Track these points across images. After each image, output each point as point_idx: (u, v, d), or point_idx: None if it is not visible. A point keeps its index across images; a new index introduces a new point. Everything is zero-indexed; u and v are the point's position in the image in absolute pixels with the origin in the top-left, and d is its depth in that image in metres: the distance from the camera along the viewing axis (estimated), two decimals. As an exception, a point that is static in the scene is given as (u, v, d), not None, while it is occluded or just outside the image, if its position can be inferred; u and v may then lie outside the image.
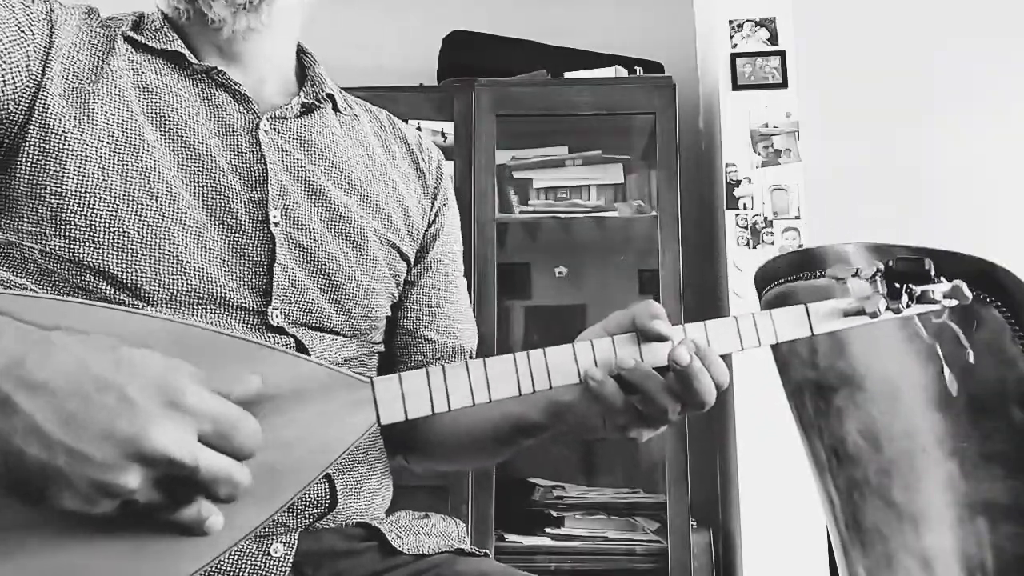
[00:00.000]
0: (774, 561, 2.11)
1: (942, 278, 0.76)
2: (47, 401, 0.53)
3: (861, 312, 0.74)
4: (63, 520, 0.56)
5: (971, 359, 0.78)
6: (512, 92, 2.34)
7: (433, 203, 1.01)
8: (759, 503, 2.13)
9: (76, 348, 0.55)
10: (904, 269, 0.75)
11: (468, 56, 2.48)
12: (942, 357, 0.77)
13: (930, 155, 2.50)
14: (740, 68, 2.29)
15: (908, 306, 0.75)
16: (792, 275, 1.16)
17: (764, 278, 1.24)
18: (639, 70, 2.44)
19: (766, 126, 2.27)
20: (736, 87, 2.29)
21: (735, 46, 2.32)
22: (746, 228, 2.23)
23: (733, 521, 2.24)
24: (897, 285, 0.75)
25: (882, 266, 0.75)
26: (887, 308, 0.74)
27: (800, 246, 2.18)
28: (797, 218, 2.22)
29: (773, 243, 2.21)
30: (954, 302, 0.76)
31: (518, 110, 2.33)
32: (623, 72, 2.40)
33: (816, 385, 1.17)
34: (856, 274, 0.76)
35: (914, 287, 0.75)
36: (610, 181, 2.42)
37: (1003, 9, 2.55)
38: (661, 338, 0.70)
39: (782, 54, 2.29)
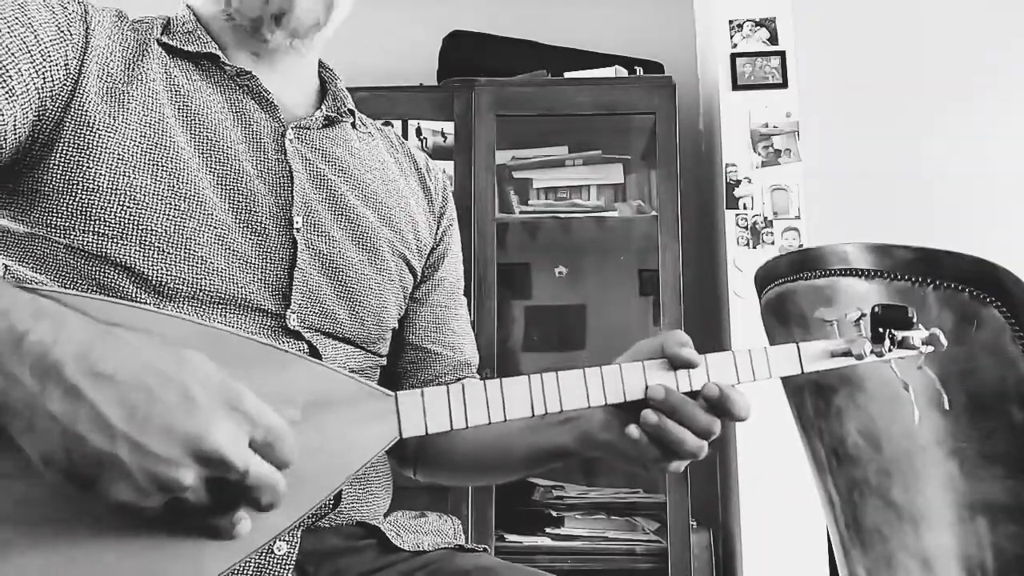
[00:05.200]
0: (774, 561, 2.11)
1: (921, 325, 0.81)
2: (113, 392, 0.53)
3: (848, 354, 0.79)
4: (93, 518, 0.57)
5: (947, 406, 0.85)
6: (512, 92, 2.34)
7: (439, 223, 1.03)
8: (759, 503, 2.13)
9: (139, 344, 0.56)
10: (887, 315, 0.80)
11: (468, 56, 2.48)
12: (913, 402, 0.81)
13: (930, 155, 2.50)
14: (740, 68, 2.29)
15: (890, 350, 0.80)
16: (792, 275, 1.16)
17: (764, 278, 1.24)
18: (639, 70, 2.44)
19: (766, 126, 2.27)
20: (736, 87, 2.29)
21: (735, 46, 2.32)
22: (746, 228, 2.23)
23: (733, 521, 2.24)
24: (880, 330, 0.80)
25: (867, 311, 0.80)
26: (871, 351, 0.79)
27: (800, 246, 2.18)
28: (797, 218, 2.22)
29: (773, 243, 2.21)
30: (931, 348, 0.81)
31: (518, 110, 2.33)
32: (623, 72, 2.40)
33: (816, 385, 1.17)
34: (843, 317, 0.81)
35: (896, 332, 0.80)
36: (610, 181, 2.42)
37: (1003, 9, 2.55)
38: (690, 364, 0.73)
39: (782, 54, 2.29)
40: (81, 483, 0.54)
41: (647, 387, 0.72)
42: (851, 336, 0.80)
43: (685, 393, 0.73)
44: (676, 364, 0.73)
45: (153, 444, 0.53)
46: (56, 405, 0.53)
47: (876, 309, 0.80)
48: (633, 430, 0.71)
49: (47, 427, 0.53)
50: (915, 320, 0.80)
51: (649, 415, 0.71)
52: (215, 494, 0.56)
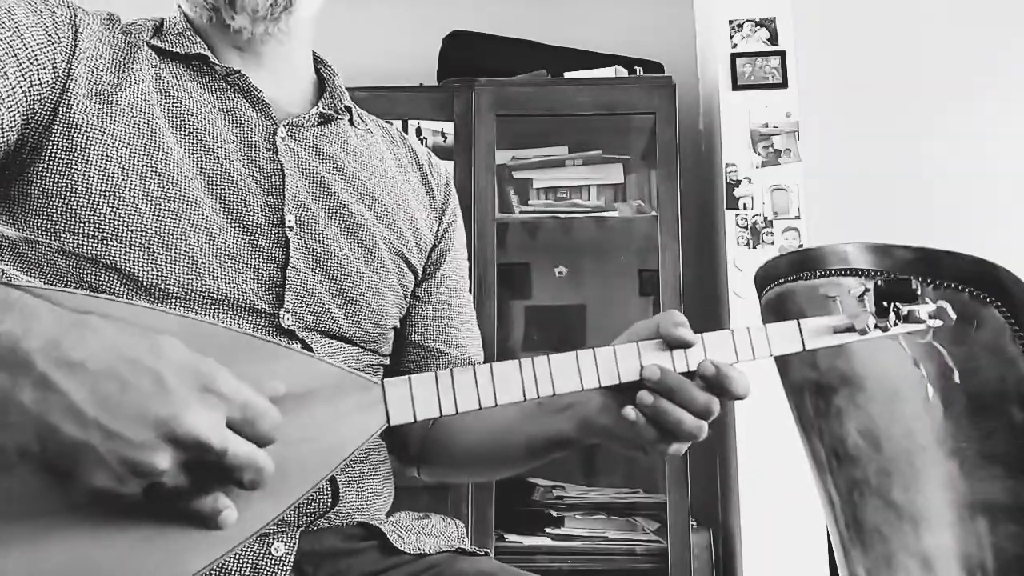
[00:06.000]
0: (774, 561, 2.11)
1: (927, 299, 0.78)
2: (84, 380, 0.53)
3: (851, 329, 0.76)
4: (76, 511, 0.57)
5: (957, 379, 0.81)
6: (512, 92, 2.34)
7: (441, 219, 1.02)
8: (759, 503, 2.13)
9: (110, 332, 0.56)
10: (891, 289, 0.77)
11: (468, 56, 2.48)
12: (925, 376, 0.79)
13: (930, 155, 2.50)
14: (740, 68, 2.29)
15: (895, 324, 0.77)
16: (792, 275, 1.16)
17: (764, 278, 1.24)
18: (639, 70, 2.44)
19: (766, 126, 2.27)
20: (736, 87, 2.29)
21: (735, 46, 2.32)
22: (746, 228, 2.23)
23: (733, 521, 2.24)
24: (885, 304, 0.77)
25: (870, 285, 0.78)
26: (875, 326, 0.76)
27: (800, 246, 2.18)
28: (797, 218, 2.22)
29: (773, 243, 2.21)
30: (939, 322, 0.78)
31: (518, 110, 2.33)
32: (623, 72, 2.40)
33: (816, 385, 1.17)
34: (846, 292, 0.79)
35: (901, 306, 0.77)
36: (610, 181, 2.42)
37: (1003, 9, 2.55)
38: (686, 344, 0.72)
39: (782, 54, 2.29)
40: (57, 473, 0.54)
41: (642, 368, 0.71)
42: (854, 311, 0.77)
43: (683, 373, 0.71)
44: (672, 344, 0.72)
45: (126, 430, 0.53)
46: (27, 396, 0.53)
47: (879, 283, 0.77)
48: (630, 411, 0.70)
49: (19, 419, 0.53)
50: (920, 293, 0.77)
51: (645, 396, 0.70)
52: (194, 477, 0.56)
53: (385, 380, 0.66)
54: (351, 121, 0.96)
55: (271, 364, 0.62)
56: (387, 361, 0.95)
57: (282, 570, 0.76)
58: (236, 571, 0.75)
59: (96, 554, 0.57)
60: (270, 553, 0.76)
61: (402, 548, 0.85)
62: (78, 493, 0.55)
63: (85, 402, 0.53)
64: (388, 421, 0.65)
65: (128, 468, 0.53)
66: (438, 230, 1.01)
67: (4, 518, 0.57)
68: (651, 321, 0.74)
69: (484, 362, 1.04)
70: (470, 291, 1.07)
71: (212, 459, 0.55)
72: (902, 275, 1.00)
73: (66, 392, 0.53)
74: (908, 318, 0.77)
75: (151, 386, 0.54)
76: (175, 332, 0.59)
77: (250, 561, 0.75)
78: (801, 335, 0.76)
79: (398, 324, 0.95)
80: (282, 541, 0.77)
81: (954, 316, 0.78)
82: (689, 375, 0.71)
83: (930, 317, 0.78)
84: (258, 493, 0.58)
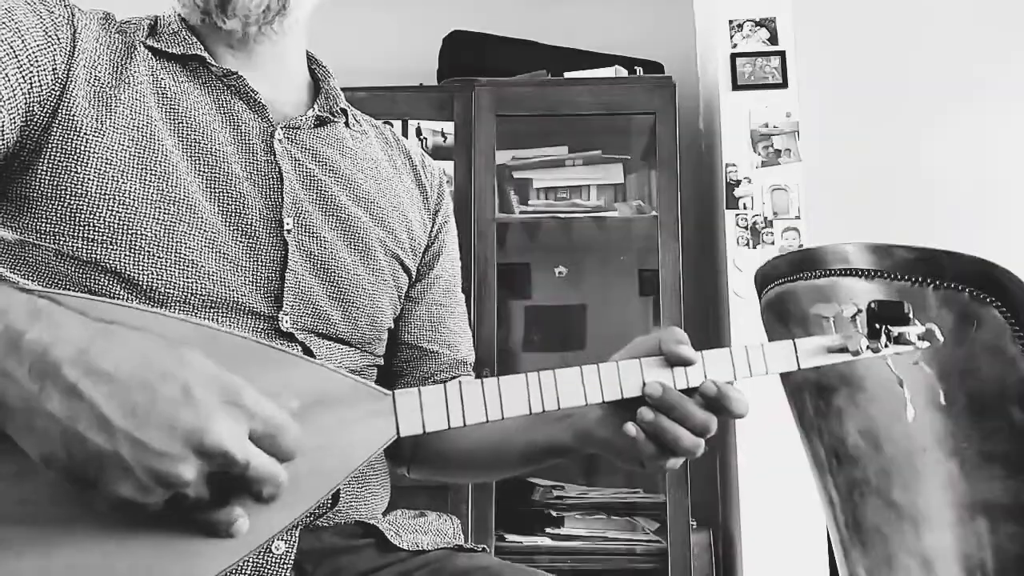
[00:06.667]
0: (774, 561, 2.11)
1: (917, 321, 0.81)
2: (112, 390, 0.53)
3: (844, 350, 0.79)
4: (89, 516, 0.57)
5: (943, 400, 0.85)
6: (512, 92, 2.34)
7: (434, 220, 1.02)
8: (759, 503, 2.13)
9: (137, 342, 0.56)
10: (883, 311, 0.80)
11: (468, 56, 2.48)
12: (908, 398, 0.81)
13: (930, 155, 2.50)
14: (740, 68, 2.29)
15: (887, 346, 0.79)
16: (792, 275, 1.16)
17: (764, 278, 1.24)
18: (639, 70, 2.44)
19: (766, 126, 2.27)
20: (736, 87, 2.29)
21: (735, 46, 2.32)
22: (746, 228, 2.23)
23: (733, 521, 2.24)
24: (876, 326, 0.79)
25: (863, 307, 0.80)
26: (867, 347, 0.79)
27: (800, 246, 2.18)
28: (797, 218, 2.22)
29: (773, 243, 2.21)
30: (927, 344, 0.80)
31: (518, 110, 2.33)
32: (623, 72, 2.40)
33: (816, 385, 1.17)
34: (839, 313, 0.81)
35: (892, 328, 0.79)
36: (610, 181, 2.42)
37: (1004, 10, 2.55)
38: (687, 362, 0.73)
39: (782, 54, 2.29)
40: (83, 482, 0.54)
41: (644, 384, 0.72)
42: (847, 332, 0.79)
43: (682, 390, 0.72)
44: (673, 361, 0.73)
45: (153, 440, 0.53)
46: (55, 404, 0.53)
47: (872, 305, 0.79)
48: (630, 427, 0.71)
49: (47, 427, 0.53)
50: (911, 316, 0.80)
51: (645, 412, 0.71)
52: (216, 489, 0.56)
53: (396, 391, 0.67)
54: (346, 123, 0.96)
55: (283, 372, 0.63)
56: (381, 361, 0.95)
57: (283, 568, 0.76)
58: (238, 569, 0.75)
59: (106, 559, 0.57)
60: (271, 551, 0.76)
61: (400, 545, 0.85)
62: (99, 501, 0.55)
63: (113, 412, 0.53)
64: (398, 433, 0.66)
65: (154, 478, 0.53)
66: (431, 231, 1.01)
67: (19, 522, 0.57)
68: (652, 337, 0.75)
69: (479, 363, 1.05)
70: (470, 291, 1.08)
71: (234, 471, 0.55)
72: (903, 275, 1.00)
73: (94, 401, 0.53)
74: (899, 340, 0.80)
75: (178, 397, 0.54)
76: (192, 340, 0.59)
77: (251, 559, 0.76)
78: (796, 355, 0.78)
79: (392, 325, 0.95)
80: (283, 540, 0.77)
81: (942, 338, 0.80)
82: (688, 392, 0.73)
83: (919, 339, 0.80)
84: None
